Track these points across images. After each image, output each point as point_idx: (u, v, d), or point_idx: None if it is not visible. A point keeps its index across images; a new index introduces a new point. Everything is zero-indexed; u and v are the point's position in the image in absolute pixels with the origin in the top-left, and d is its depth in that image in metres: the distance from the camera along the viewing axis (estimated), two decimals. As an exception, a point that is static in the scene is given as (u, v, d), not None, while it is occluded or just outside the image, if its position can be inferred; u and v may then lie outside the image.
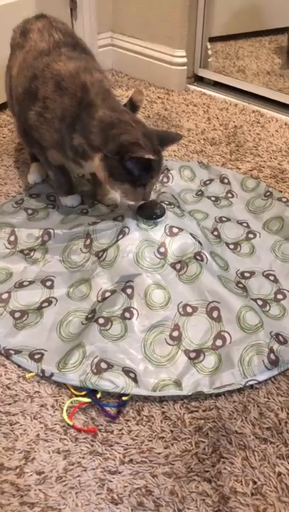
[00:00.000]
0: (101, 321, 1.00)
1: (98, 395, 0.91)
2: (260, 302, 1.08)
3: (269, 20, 2.31)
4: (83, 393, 0.91)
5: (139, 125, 1.13)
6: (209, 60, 2.03)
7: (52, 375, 0.93)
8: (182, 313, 1.03)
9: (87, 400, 0.90)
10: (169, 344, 0.99)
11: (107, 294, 1.07)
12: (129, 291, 1.05)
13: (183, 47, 1.91)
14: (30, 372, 0.95)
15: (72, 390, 0.92)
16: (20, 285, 1.11)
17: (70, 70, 1.16)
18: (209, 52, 2.02)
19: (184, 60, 1.93)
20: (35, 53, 1.22)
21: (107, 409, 0.90)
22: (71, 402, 0.90)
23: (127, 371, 0.94)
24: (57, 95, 1.15)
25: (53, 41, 1.24)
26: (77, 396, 0.91)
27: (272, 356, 0.96)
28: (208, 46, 2.00)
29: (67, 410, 0.89)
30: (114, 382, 0.92)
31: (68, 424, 0.87)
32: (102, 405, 0.90)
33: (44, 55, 1.21)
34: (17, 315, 1.05)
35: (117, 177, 1.11)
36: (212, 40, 2.06)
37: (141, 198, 1.14)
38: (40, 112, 1.18)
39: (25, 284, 1.11)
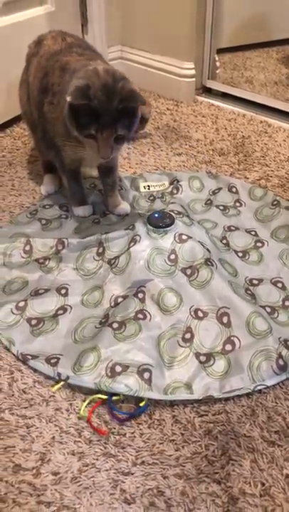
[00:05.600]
0: (115, 325, 1.04)
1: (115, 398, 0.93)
2: (268, 309, 1.11)
3: (276, 31, 2.35)
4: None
5: (107, 77, 1.09)
6: (217, 71, 2.07)
7: (68, 378, 0.97)
8: (194, 316, 1.06)
9: (104, 396, 0.93)
10: (181, 346, 1.02)
11: (120, 300, 1.10)
12: (140, 295, 1.09)
13: (191, 59, 1.96)
14: (55, 384, 0.97)
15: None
16: (36, 293, 1.14)
17: (79, 60, 1.19)
18: (217, 63, 2.06)
19: (193, 72, 1.98)
20: (48, 56, 1.27)
21: (115, 412, 0.92)
22: (92, 400, 0.93)
23: (142, 371, 0.96)
24: (61, 78, 1.18)
25: (66, 44, 1.29)
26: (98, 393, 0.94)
27: (280, 362, 0.99)
28: (216, 58, 2.04)
29: (86, 406, 0.92)
30: (127, 385, 0.95)
31: (85, 421, 0.90)
32: (113, 408, 0.92)
33: (56, 55, 1.26)
34: (33, 322, 1.08)
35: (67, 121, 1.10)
36: (220, 51, 2.10)
37: (96, 151, 1.10)
38: (50, 100, 1.22)
39: (40, 292, 1.15)
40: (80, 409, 0.92)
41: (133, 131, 1.14)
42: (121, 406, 0.94)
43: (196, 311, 1.07)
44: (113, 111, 1.07)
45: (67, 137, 1.18)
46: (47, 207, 1.41)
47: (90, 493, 0.81)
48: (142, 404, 0.93)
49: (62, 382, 0.97)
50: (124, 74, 1.14)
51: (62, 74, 1.18)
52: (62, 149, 1.25)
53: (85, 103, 1.06)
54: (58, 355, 1.01)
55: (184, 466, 0.85)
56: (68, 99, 1.06)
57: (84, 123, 1.08)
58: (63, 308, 1.11)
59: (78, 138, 1.13)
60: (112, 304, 1.10)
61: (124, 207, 1.38)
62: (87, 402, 0.93)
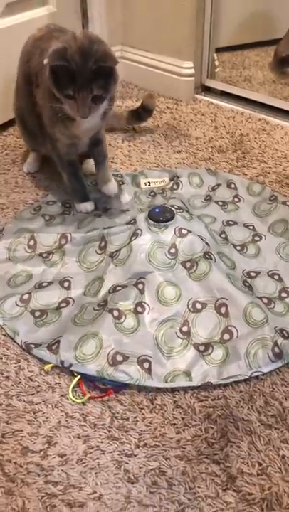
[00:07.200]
0: (116, 313, 1.07)
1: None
2: (265, 300, 1.14)
3: (274, 30, 2.37)
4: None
5: (84, 40, 1.14)
6: (216, 70, 2.11)
7: (71, 365, 1.00)
8: (192, 309, 1.10)
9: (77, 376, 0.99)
10: (179, 338, 1.06)
11: (118, 288, 1.14)
12: (140, 286, 1.12)
13: (191, 58, 1.99)
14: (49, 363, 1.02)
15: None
16: (39, 286, 1.18)
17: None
18: (216, 62, 2.09)
19: (192, 71, 2.01)
20: (31, 42, 1.34)
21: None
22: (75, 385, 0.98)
23: (142, 361, 1.01)
24: (40, 58, 1.22)
25: (48, 30, 1.35)
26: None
27: (276, 349, 1.02)
28: (215, 57, 2.08)
29: (73, 390, 0.97)
30: (128, 373, 0.98)
31: (82, 403, 0.95)
32: (100, 381, 0.97)
33: (38, 40, 1.32)
34: (37, 314, 1.12)
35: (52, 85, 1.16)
36: (219, 50, 2.13)
37: (76, 111, 1.16)
38: (36, 83, 1.27)
39: (44, 285, 1.19)
40: (79, 397, 0.96)
41: (111, 92, 1.20)
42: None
43: (194, 303, 1.11)
44: (88, 72, 1.13)
45: (56, 118, 1.23)
46: (50, 203, 1.45)
47: (95, 474, 0.85)
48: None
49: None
50: (100, 37, 1.20)
51: (42, 56, 1.23)
52: (55, 137, 1.30)
53: (62, 64, 1.12)
54: (58, 338, 1.04)
55: (184, 448, 0.89)
56: (45, 61, 1.13)
57: (63, 84, 1.14)
58: (66, 301, 1.14)
59: (63, 108, 1.18)
60: (111, 291, 1.14)
61: (112, 186, 1.44)
62: (71, 387, 0.97)
